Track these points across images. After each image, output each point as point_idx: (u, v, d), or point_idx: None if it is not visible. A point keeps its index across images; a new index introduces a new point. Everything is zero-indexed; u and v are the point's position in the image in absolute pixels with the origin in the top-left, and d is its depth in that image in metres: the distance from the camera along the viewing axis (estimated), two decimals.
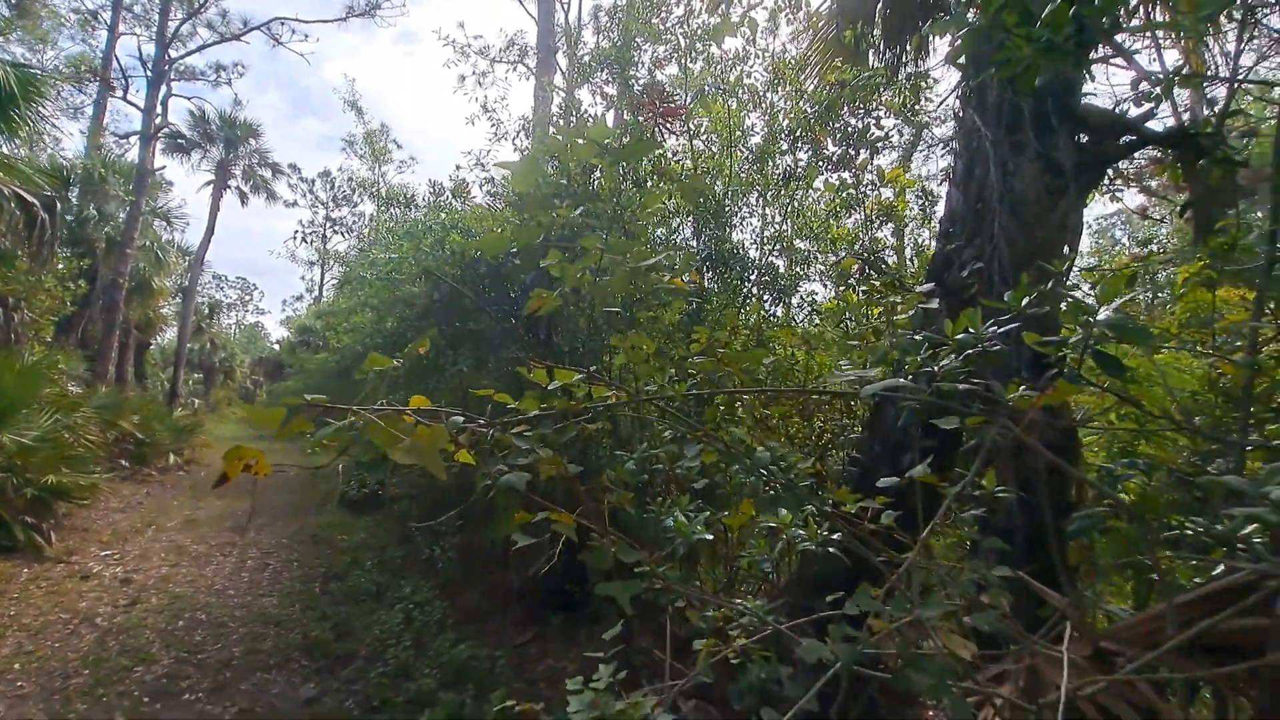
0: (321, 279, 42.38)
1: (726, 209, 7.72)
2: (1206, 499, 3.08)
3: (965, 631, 2.43)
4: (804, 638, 1.81)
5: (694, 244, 6.96)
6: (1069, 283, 3.00)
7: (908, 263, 6.58)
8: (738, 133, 7.92)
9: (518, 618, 7.38)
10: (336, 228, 40.47)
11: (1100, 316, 1.63)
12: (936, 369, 1.82)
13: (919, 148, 8.02)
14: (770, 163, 7.62)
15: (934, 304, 4.06)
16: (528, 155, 6.89)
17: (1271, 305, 2.35)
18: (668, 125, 7.82)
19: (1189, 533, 2.34)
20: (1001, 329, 1.76)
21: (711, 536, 2.34)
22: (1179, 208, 3.23)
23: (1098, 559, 3.02)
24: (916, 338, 2.26)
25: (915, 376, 2.12)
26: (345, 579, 7.81)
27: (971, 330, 1.76)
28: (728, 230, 7.60)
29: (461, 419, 1.59)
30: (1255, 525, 2.23)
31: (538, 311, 2.20)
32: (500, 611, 7.35)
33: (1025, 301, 1.89)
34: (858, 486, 3.92)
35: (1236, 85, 3.46)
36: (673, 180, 6.85)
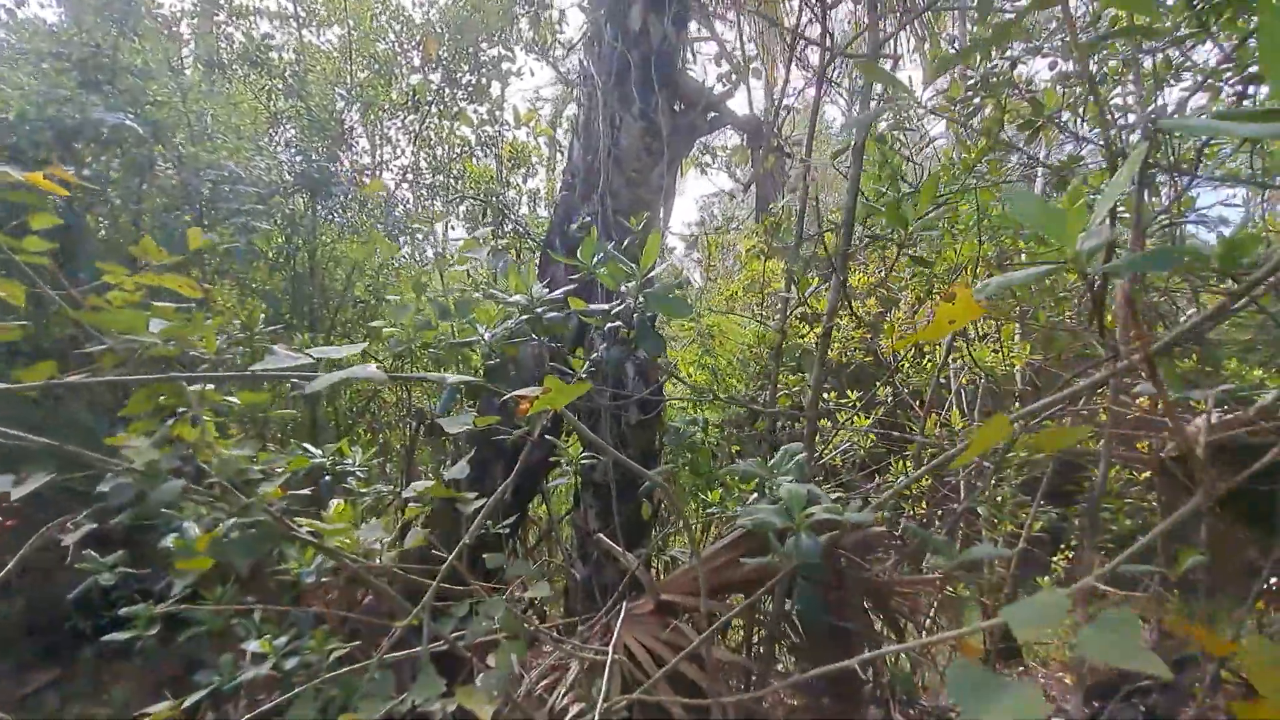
0: None
1: (346, 124, 6.48)
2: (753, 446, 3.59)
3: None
4: None
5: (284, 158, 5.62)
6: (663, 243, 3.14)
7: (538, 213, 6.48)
8: (358, 34, 6.66)
9: (26, 660, 5.34)
10: None
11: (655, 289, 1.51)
12: (494, 332, 1.48)
13: (556, 89, 7.96)
14: (397, 79, 6.61)
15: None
16: None
17: (796, 279, 2.75)
18: None
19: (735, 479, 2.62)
20: (559, 290, 1.51)
21: None
22: (744, 186, 3.61)
23: (667, 510, 3.42)
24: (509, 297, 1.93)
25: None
26: None
27: (530, 290, 1.46)
28: (342, 150, 6.39)
29: None
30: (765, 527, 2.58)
31: None
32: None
33: (597, 260, 1.69)
34: (483, 442, 3.69)
35: (786, 82, 4.02)
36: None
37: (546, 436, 3.31)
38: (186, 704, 1.99)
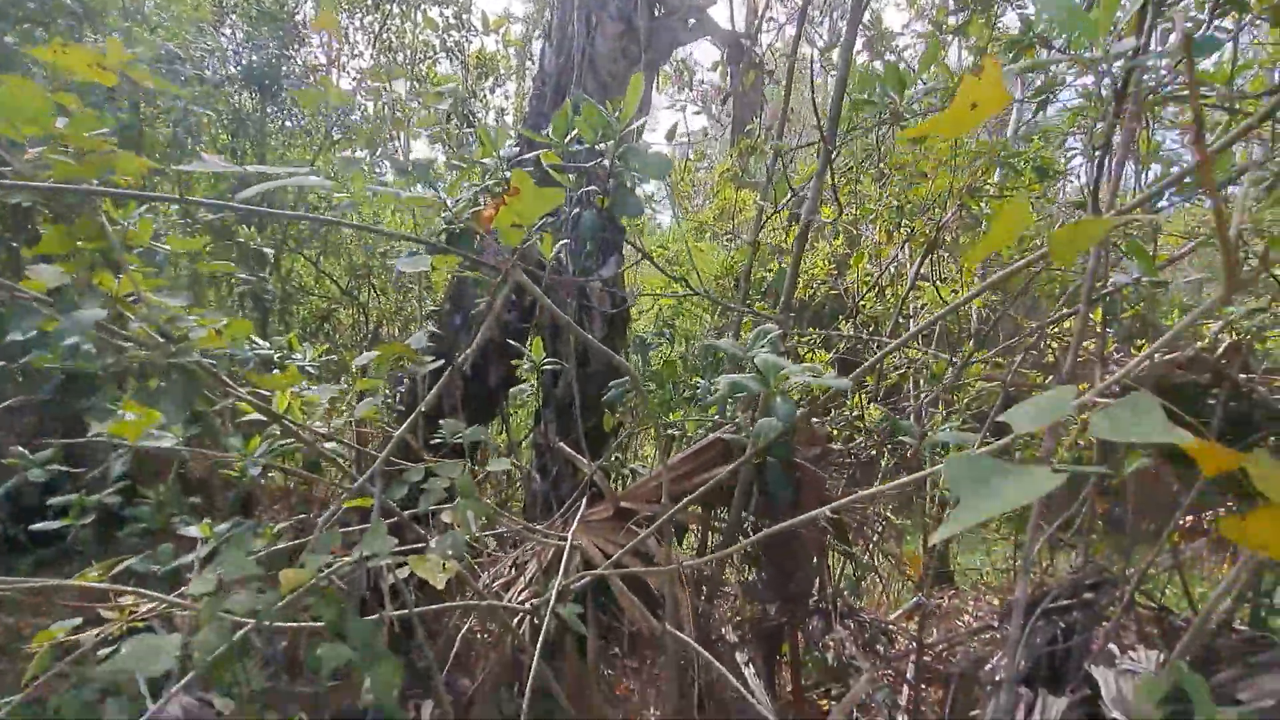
0: None
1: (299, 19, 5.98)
2: (717, 366, 3.58)
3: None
4: None
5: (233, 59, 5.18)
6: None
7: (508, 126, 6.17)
8: None
9: None
10: None
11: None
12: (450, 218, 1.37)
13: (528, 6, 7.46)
14: None
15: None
16: None
17: (771, 210, 2.69)
18: None
19: (699, 395, 2.61)
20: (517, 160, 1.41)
21: None
22: (721, 99, 3.48)
23: (631, 422, 3.43)
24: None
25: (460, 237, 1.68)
26: None
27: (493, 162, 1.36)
28: (294, 47, 5.91)
29: None
30: (740, 393, 2.58)
31: None
32: None
33: (568, 138, 1.59)
34: (440, 356, 3.60)
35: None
36: None
37: (508, 343, 3.24)
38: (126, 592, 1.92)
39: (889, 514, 4.32)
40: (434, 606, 1.50)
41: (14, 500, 3.82)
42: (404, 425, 1.20)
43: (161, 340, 0.96)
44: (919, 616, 3.55)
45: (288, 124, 6.30)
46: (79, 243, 1.14)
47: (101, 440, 2.32)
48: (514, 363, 3.58)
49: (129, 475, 2.04)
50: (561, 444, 2.91)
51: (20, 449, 2.87)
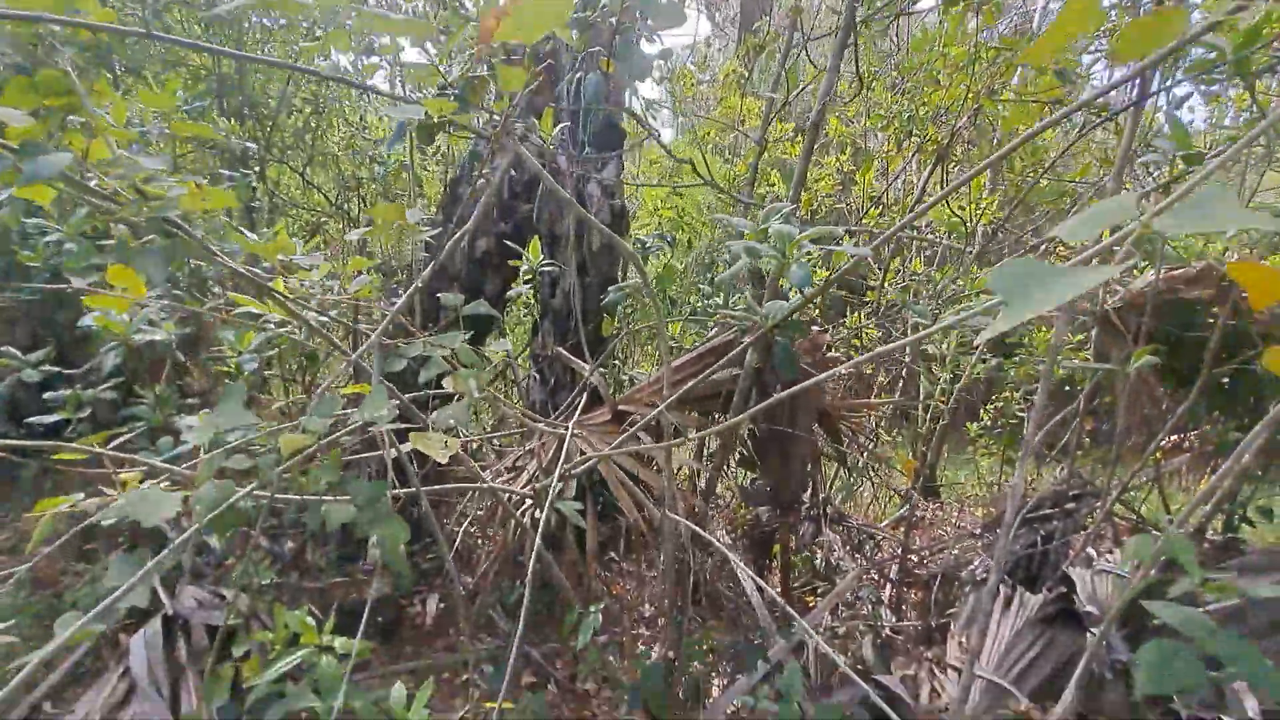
0: None
1: None
2: (714, 280, 3.52)
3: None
4: None
5: None
6: None
7: None
8: None
9: None
10: None
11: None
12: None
13: None
14: None
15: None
16: None
17: (786, 74, 2.55)
18: None
19: (698, 305, 2.57)
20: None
21: None
22: None
23: (629, 329, 3.40)
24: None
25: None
26: None
27: None
28: None
29: None
30: (739, 298, 2.54)
31: None
32: None
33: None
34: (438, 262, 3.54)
35: None
36: None
37: (504, 254, 3.16)
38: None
39: (882, 428, 4.39)
40: (437, 487, 1.51)
41: (10, 406, 3.81)
42: (400, 302, 1.16)
43: (138, 195, 0.90)
44: (905, 525, 3.67)
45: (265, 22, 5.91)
46: (45, 101, 1.06)
47: (93, 334, 2.28)
48: (511, 272, 3.51)
49: (125, 374, 2.02)
50: (560, 349, 2.89)
51: (12, 350, 2.84)
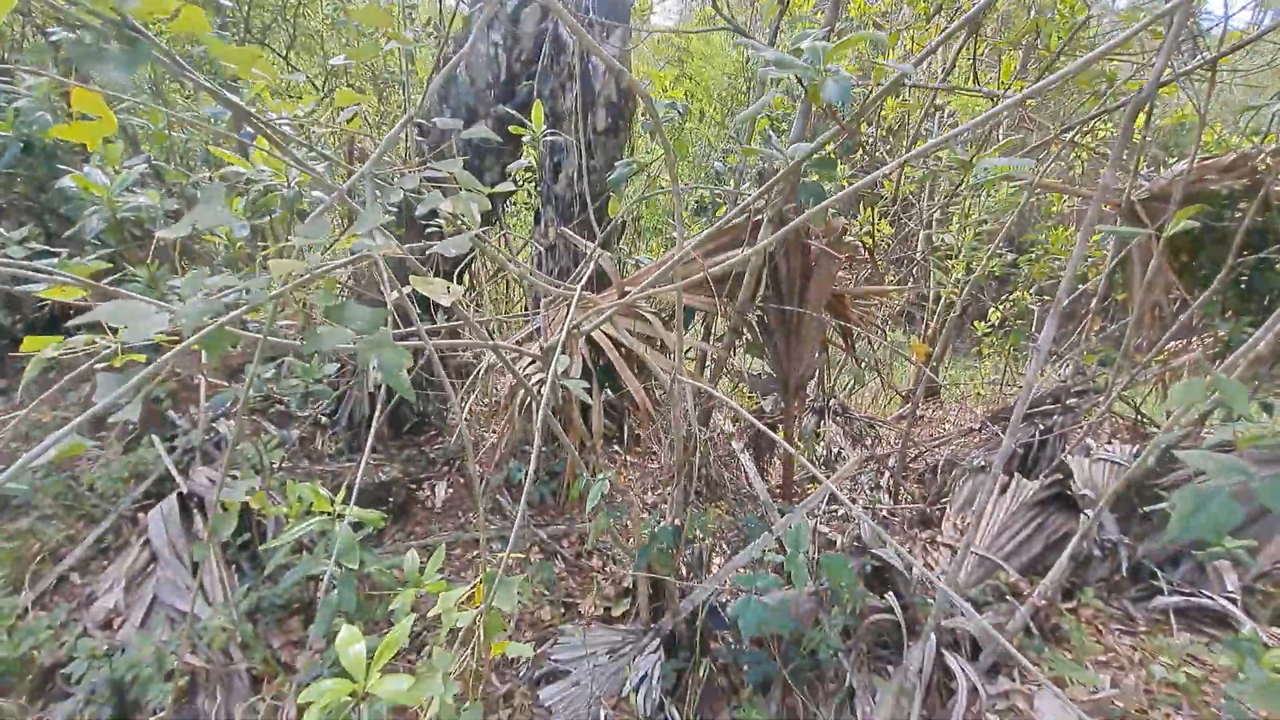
0: None
1: None
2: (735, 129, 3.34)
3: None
4: None
5: None
6: None
7: None
8: None
9: None
10: None
11: None
12: None
13: None
14: None
15: None
16: None
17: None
18: None
19: (708, 198, 2.43)
20: None
21: None
22: None
23: (639, 216, 3.29)
24: None
25: None
26: None
27: None
28: None
29: None
30: (748, 187, 2.39)
31: None
32: None
33: None
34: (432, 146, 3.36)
35: None
36: None
37: (503, 140, 2.99)
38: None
39: (889, 327, 4.35)
40: (444, 341, 1.47)
41: (7, 298, 3.74)
42: (393, 130, 1.07)
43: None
44: (906, 421, 3.71)
45: None
46: None
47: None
48: (511, 159, 3.33)
49: (113, 246, 1.93)
50: (565, 229, 2.79)
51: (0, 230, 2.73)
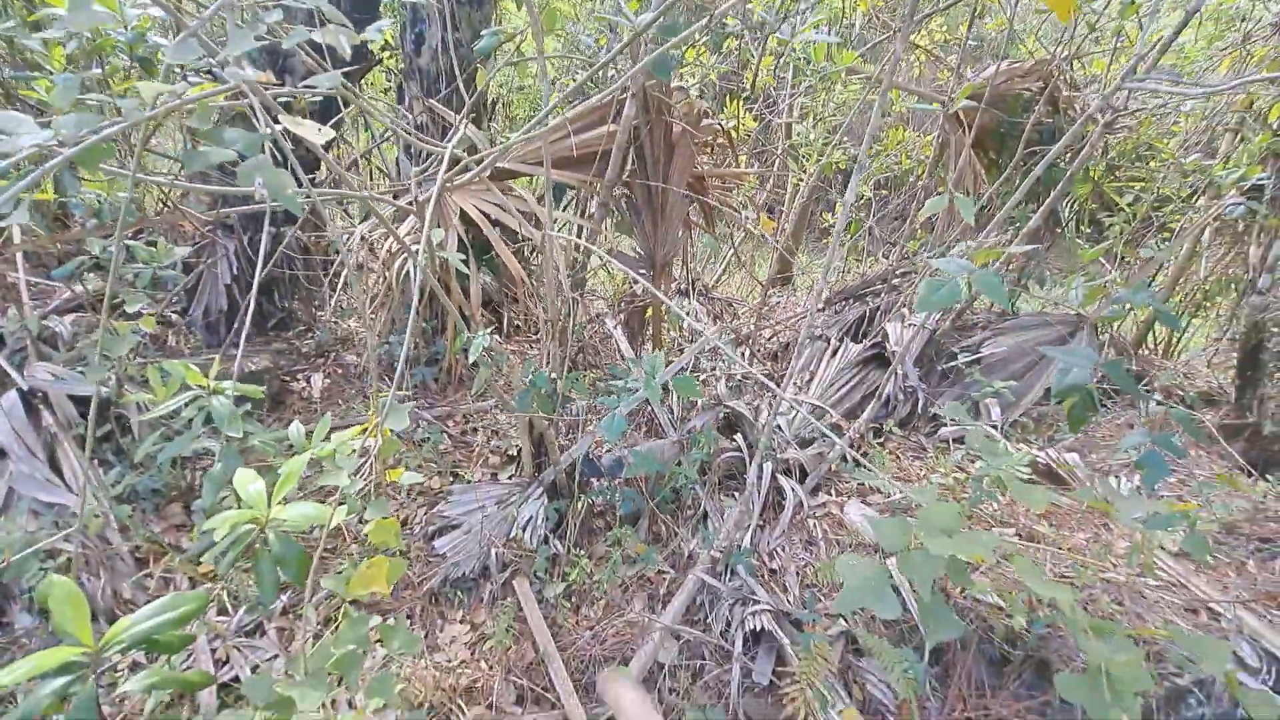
0: None
1: None
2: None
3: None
4: None
5: None
6: None
7: None
8: None
9: None
10: None
11: None
12: None
13: None
14: None
15: None
16: None
17: None
18: None
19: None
20: None
21: None
22: None
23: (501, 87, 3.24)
24: None
25: None
26: None
27: None
28: None
29: None
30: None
31: None
32: None
33: None
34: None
35: None
36: None
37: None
38: None
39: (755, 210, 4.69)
40: (328, 191, 1.51)
41: None
42: None
43: None
44: (760, 304, 4.15)
45: None
46: None
47: None
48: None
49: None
50: (431, 101, 2.73)
51: None
